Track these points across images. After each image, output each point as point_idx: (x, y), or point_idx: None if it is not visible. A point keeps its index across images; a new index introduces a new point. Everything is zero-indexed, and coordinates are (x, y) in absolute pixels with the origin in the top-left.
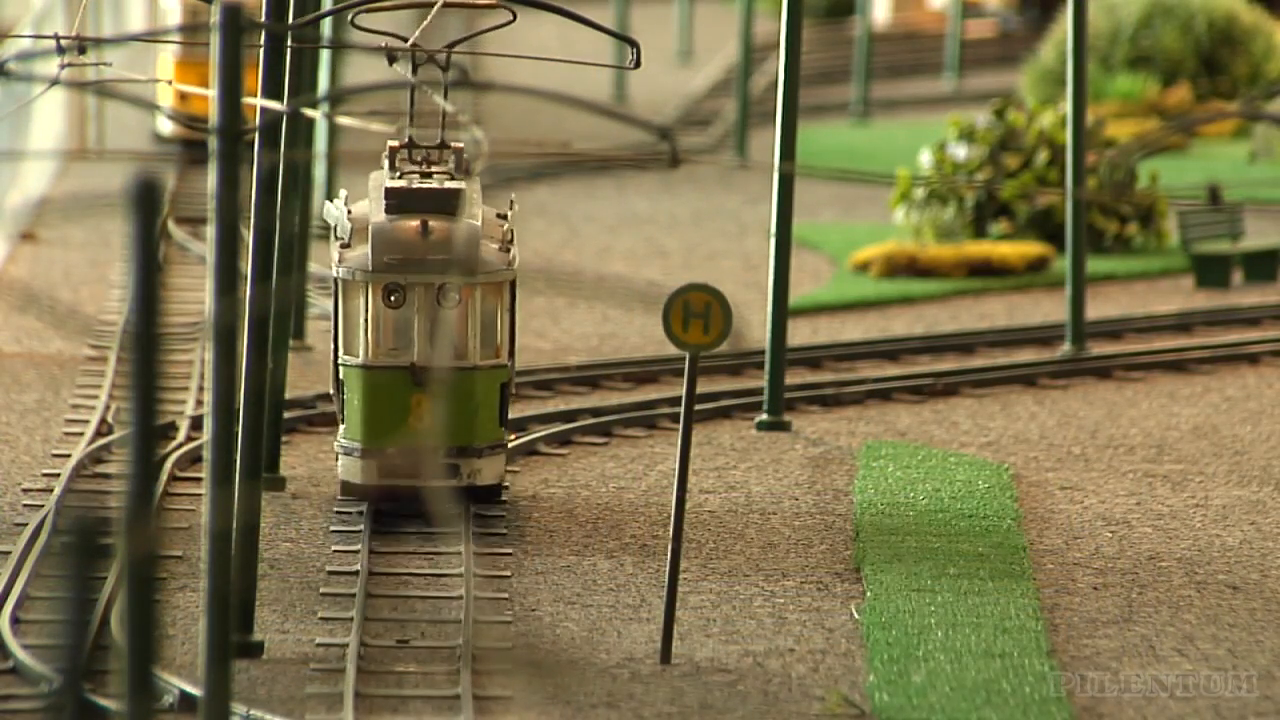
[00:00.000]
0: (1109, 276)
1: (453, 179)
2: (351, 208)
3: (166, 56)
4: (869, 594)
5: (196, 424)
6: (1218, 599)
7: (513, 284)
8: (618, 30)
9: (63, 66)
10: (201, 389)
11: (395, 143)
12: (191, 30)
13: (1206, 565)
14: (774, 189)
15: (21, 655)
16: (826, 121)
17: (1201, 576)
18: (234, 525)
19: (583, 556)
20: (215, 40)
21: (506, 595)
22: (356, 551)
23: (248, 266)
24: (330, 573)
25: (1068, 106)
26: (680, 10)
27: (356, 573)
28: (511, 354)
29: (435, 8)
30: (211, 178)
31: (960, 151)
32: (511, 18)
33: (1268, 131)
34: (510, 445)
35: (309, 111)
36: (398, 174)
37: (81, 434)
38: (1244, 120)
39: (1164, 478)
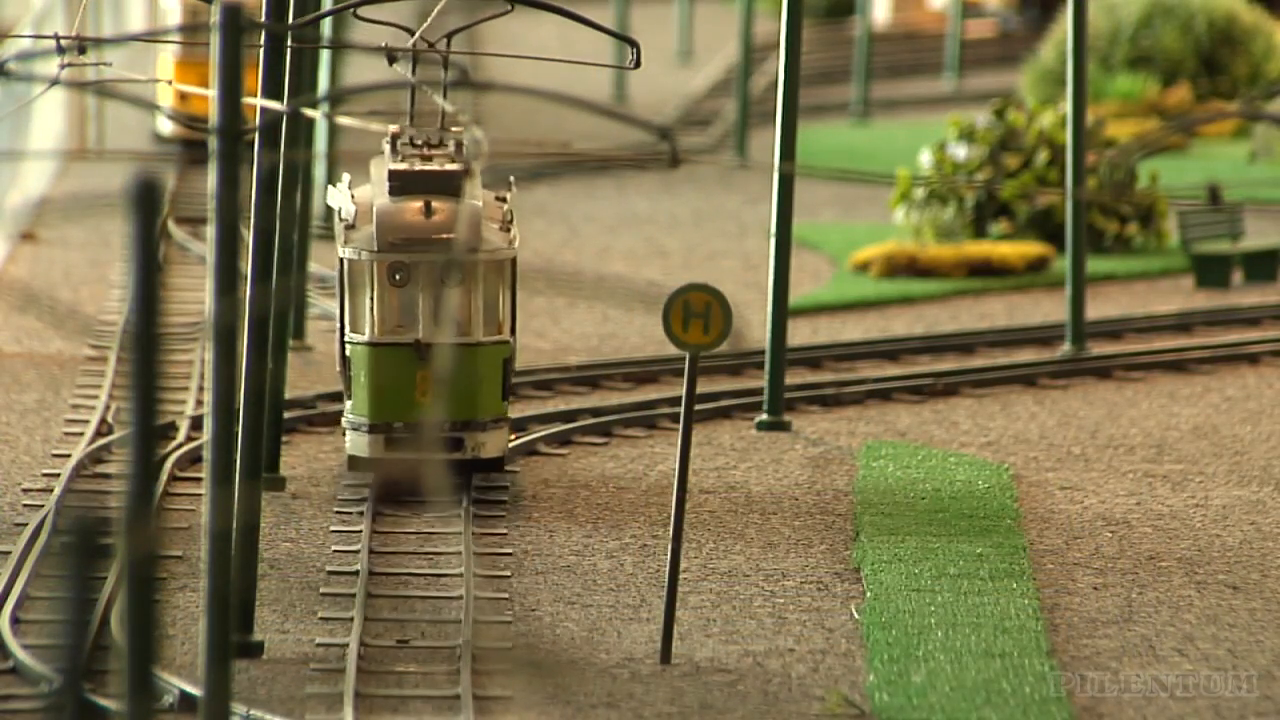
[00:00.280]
0: (1109, 276)
1: (453, 162)
2: (355, 191)
3: (166, 56)
4: (869, 594)
5: (196, 424)
6: (1218, 599)
7: (513, 262)
8: (618, 30)
9: (63, 66)
10: (201, 389)
11: (396, 127)
12: (191, 30)
13: (1206, 565)
14: (774, 189)
15: (21, 655)
16: (826, 121)
17: (1201, 576)
18: (234, 525)
19: (583, 556)
20: (215, 40)
21: (506, 595)
22: (356, 551)
23: (248, 266)
24: (330, 573)
25: (1068, 106)
26: (680, 10)
27: (356, 573)
28: (513, 330)
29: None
30: (211, 178)
31: (960, 151)
32: (509, 7)
33: (1268, 131)
34: (510, 445)
35: (309, 111)
36: (400, 158)
37: (81, 434)
38: (1244, 120)
39: (1164, 478)
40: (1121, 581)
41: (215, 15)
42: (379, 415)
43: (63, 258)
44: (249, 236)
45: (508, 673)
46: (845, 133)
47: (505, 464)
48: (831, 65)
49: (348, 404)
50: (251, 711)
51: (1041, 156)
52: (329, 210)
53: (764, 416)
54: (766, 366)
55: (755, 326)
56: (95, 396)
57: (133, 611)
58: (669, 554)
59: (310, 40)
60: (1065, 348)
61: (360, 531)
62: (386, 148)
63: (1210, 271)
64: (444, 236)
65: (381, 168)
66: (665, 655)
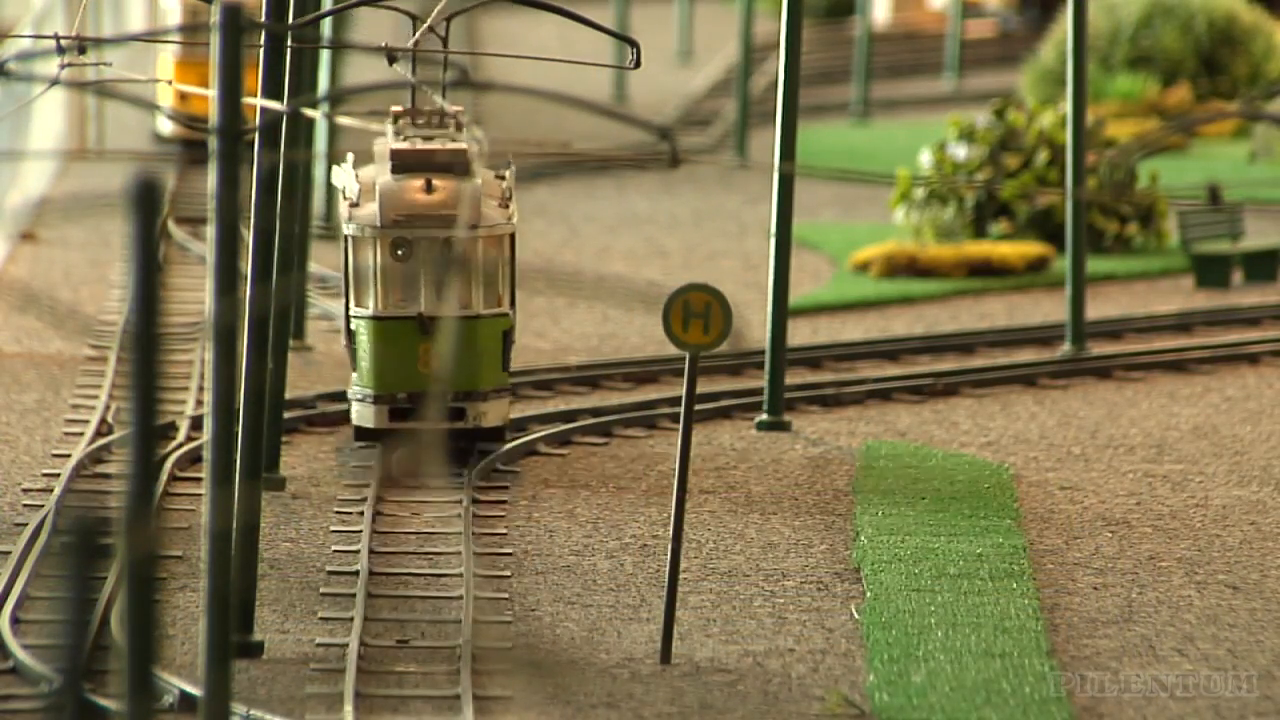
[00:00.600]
0: (1109, 276)
1: (454, 140)
2: (358, 171)
3: (166, 56)
4: (869, 594)
5: (196, 424)
6: (1218, 599)
7: (512, 237)
8: (618, 30)
9: (63, 66)
10: (201, 389)
11: (399, 108)
12: (191, 30)
13: (1206, 565)
14: (774, 189)
15: (21, 655)
16: (826, 121)
17: (1201, 576)
18: (234, 525)
19: (583, 556)
20: (215, 40)
21: (506, 595)
22: (356, 551)
23: (248, 266)
24: (330, 573)
25: (1068, 106)
26: (680, 10)
27: (356, 573)
28: (513, 304)
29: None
30: (211, 178)
31: (960, 151)
32: None
33: (1268, 131)
34: (511, 445)
35: (309, 111)
36: (402, 138)
37: (81, 434)
38: (1244, 120)
39: (1164, 478)
40: (1121, 581)
41: (215, 15)
42: (383, 386)
43: (63, 258)
44: (249, 236)
45: (508, 673)
46: (845, 133)
47: (506, 433)
48: (831, 65)
49: (353, 376)
50: (251, 711)
51: (1041, 156)
52: (329, 210)
53: (764, 416)
54: (766, 366)
55: (755, 326)
56: (95, 396)
57: (133, 611)
58: (669, 554)
59: (310, 40)
60: (1065, 348)
61: (360, 531)
62: (389, 128)
63: (1210, 271)
64: (445, 213)
65: (384, 147)
66: (665, 655)
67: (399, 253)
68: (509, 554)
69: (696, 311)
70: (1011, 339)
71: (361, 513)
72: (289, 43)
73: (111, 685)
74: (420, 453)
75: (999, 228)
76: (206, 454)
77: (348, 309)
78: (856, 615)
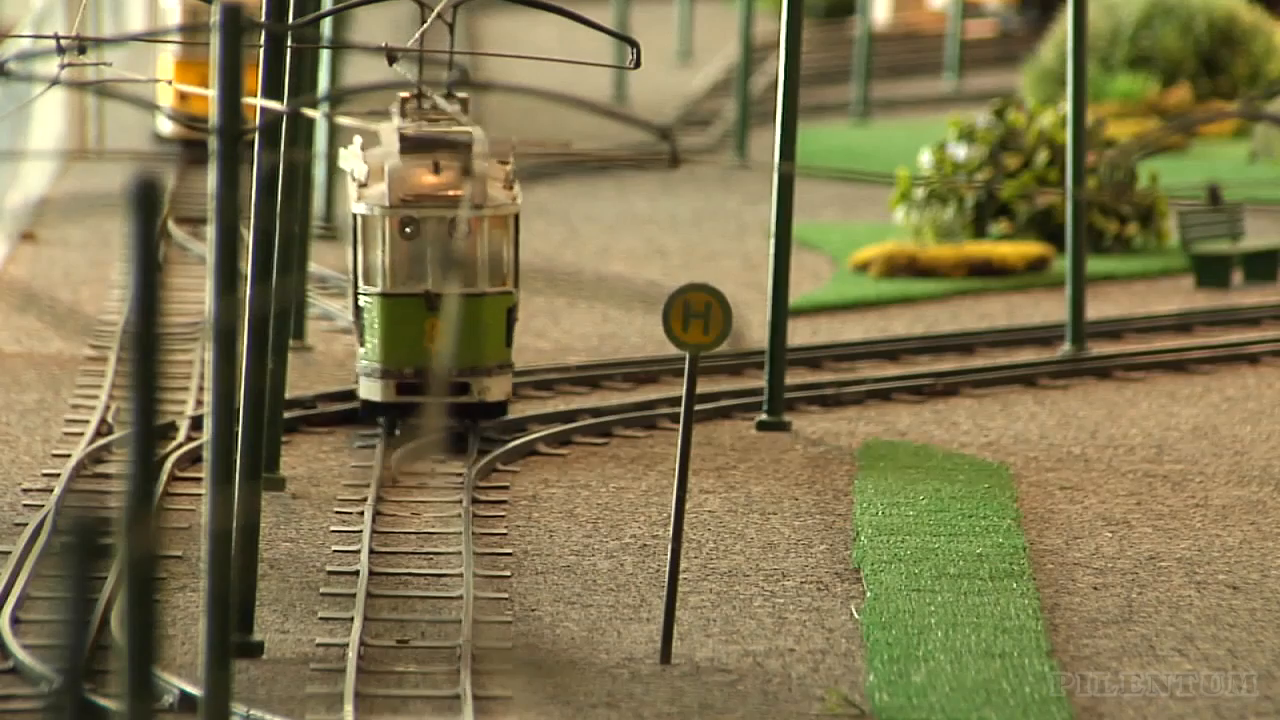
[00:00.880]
0: (1109, 276)
1: (460, 123)
2: (366, 153)
3: (166, 56)
4: (869, 594)
5: (196, 424)
6: (1218, 599)
7: (516, 217)
8: (618, 30)
9: (63, 66)
10: (201, 389)
11: (405, 94)
12: (191, 30)
13: (1206, 565)
14: (774, 189)
15: (21, 655)
16: (826, 121)
17: (1201, 576)
18: (234, 525)
19: (583, 556)
20: (215, 40)
21: (506, 595)
22: (356, 551)
23: (248, 266)
24: (330, 573)
25: (1068, 106)
26: (680, 10)
27: (356, 573)
28: (516, 282)
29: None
30: (211, 178)
31: (960, 151)
32: None
33: (1268, 131)
34: (511, 446)
35: (309, 111)
36: (409, 120)
37: (81, 434)
38: (1244, 120)
39: (1164, 478)
40: (1121, 581)
41: (215, 15)
42: (390, 361)
43: (63, 258)
44: (249, 236)
45: (508, 673)
46: (845, 133)
47: (508, 408)
48: (831, 65)
49: (360, 351)
50: (251, 711)
51: (1041, 156)
52: (329, 210)
53: (764, 416)
54: (766, 366)
55: (755, 326)
56: (95, 396)
57: (133, 611)
58: (669, 554)
59: (310, 40)
60: (1065, 348)
61: (360, 531)
62: (396, 111)
63: (1210, 271)
64: (451, 193)
65: (391, 130)
66: (665, 655)
67: (407, 230)
68: (509, 554)
69: (696, 311)
70: (1011, 339)
71: (361, 513)
72: (289, 43)
73: (111, 685)
74: (421, 449)
75: (999, 228)
76: (206, 454)
77: (355, 287)
78: (856, 615)
